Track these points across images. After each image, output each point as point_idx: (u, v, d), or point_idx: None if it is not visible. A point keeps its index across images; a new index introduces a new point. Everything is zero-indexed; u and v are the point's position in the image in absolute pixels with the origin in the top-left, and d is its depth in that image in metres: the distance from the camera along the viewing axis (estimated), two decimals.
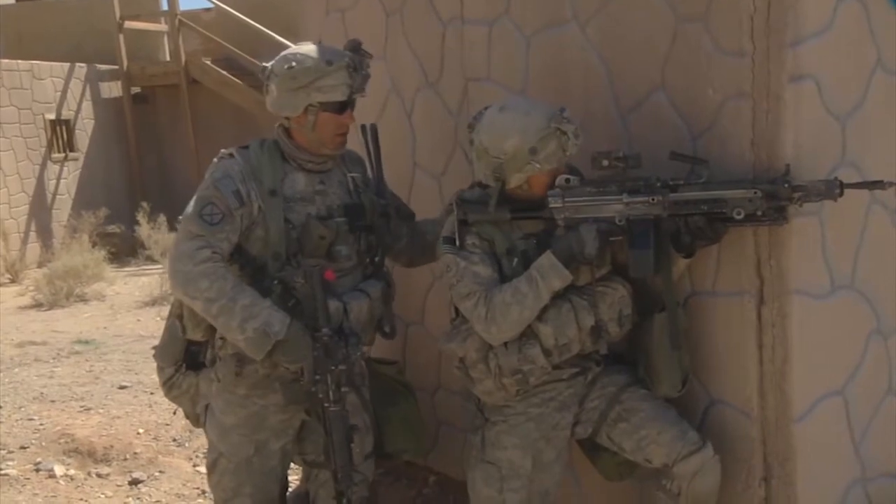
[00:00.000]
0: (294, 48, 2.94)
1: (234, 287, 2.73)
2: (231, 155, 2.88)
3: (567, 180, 2.69)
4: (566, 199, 2.69)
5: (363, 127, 3.13)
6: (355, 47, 2.89)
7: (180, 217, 2.89)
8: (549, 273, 2.67)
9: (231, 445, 2.97)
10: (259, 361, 2.79)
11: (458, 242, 2.77)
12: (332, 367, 2.77)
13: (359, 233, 2.97)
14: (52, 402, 6.04)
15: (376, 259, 3.03)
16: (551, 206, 2.70)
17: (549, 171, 2.71)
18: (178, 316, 3.07)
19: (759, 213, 2.53)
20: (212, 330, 2.91)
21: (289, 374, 2.85)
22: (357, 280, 2.97)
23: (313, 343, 2.77)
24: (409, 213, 3.18)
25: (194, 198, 2.84)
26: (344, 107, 2.86)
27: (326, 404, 2.81)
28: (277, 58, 2.90)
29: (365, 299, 2.94)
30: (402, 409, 3.23)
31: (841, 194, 2.50)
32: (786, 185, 2.49)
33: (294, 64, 2.82)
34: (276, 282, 2.82)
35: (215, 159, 2.91)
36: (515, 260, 2.76)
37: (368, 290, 2.96)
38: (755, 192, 2.51)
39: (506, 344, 2.75)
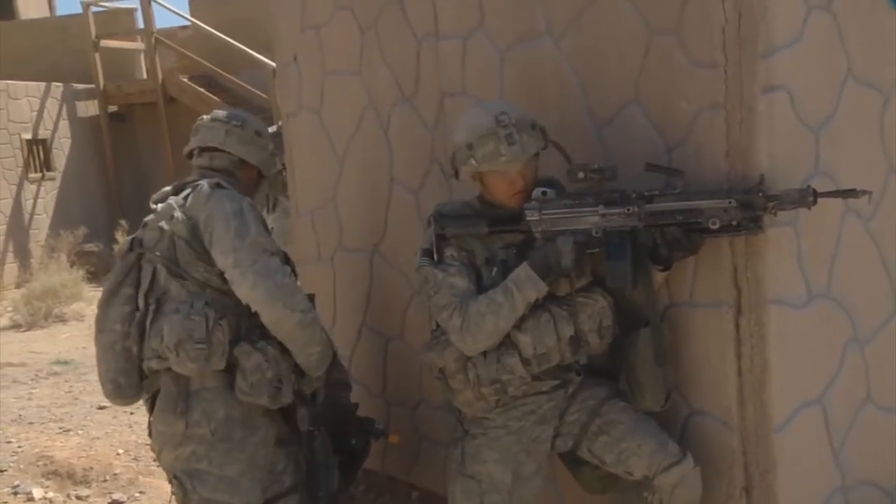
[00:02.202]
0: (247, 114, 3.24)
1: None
2: (221, 185, 2.97)
3: (544, 193, 2.71)
4: (543, 212, 2.70)
5: None
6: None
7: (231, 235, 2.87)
8: (525, 284, 2.67)
9: (245, 494, 2.95)
10: (315, 378, 2.97)
11: (436, 256, 2.78)
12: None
13: None
14: (31, 423, 5.97)
15: None
16: (528, 218, 2.71)
17: (499, 175, 2.75)
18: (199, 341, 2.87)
19: (735, 222, 2.54)
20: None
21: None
22: None
23: None
24: None
25: (246, 218, 2.88)
26: None
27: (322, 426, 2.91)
28: (252, 118, 3.21)
29: None
30: None
31: (815, 202, 2.51)
32: (760, 195, 2.51)
33: (277, 132, 3.24)
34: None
35: (212, 190, 2.95)
36: (495, 269, 2.76)
37: None
38: (730, 202, 2.52)
39: (484, 354, 2.75)
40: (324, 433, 2.90)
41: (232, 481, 2.93)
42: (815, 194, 2.50)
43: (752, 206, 2.52)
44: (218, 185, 2.95)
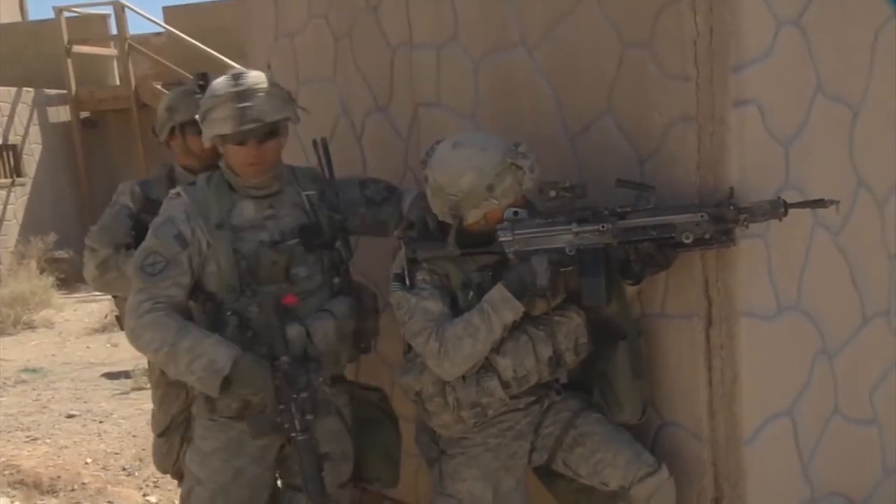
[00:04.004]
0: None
1: (178, 331, 2.75)
2: (178, 194, 2.89)
3: (515, 213, 2.69)
4: (516, 232, 2.68)
5: (314, 142, 3.13)
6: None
7: None
8: (501, 305, 2.65)
9: (210, 471, 2.94)
10: (226, 397, 2.81)
11: (407, 281, 2.76)
12: (295, 395, 2.75)
13: (320, 251, 2.95)
14: None
15: (341, 275, 3.01)
16: (501, 239, 2.69)
17: (505, 205, 2.71)
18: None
19: (707, 236, 2.55)
20: None
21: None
22: (324, 299, 2.96)
23: (273, 372, 2.74)
24: (384, 197, 3.16)
25: (139, 248, 2.88)
26: (245, 138, 2.80)
27: (293, 434, 2.78)
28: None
29: (330, 319, 2.92)
30: (379, 437, 3.18)
31: (785, 213, 2.53)
32: (731, 208, 2.52)
33: (204, 94, 2.91)
34: (230, 313, 2.82)
35: (165, 201, 2.93)
36: (471, 293, 2.74)
37: (333, 310, 2.94)
38: (702, 216, 2.53)
39: (463, 377, 2.73)
40: (308, 438, 2.84)
41: (204, 455, 2.95)
42: (786, 206, 2.52)
43: (723, 219, 2.53)
44: (177, 194, 2.91)
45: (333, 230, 2.98)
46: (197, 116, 2.90)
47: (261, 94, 2.79)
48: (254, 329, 2.81)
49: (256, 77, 2.84)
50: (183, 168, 3.56)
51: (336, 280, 2.99)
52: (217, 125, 2.80)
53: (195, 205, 2.84)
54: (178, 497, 4.56)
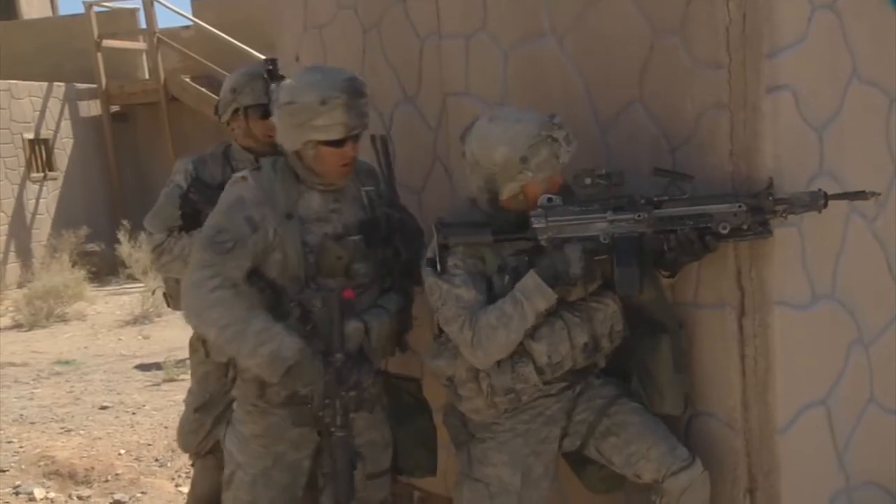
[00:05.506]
0: (299, 76, 2.88)
1: (248, 312, 2.73)
2: (244, 178, 2.85)
3: (550, 199, 2.67)
4: (549, 219, 2.66)
5: (373, 137, 3.07)
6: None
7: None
8: (534, 294, 2.64)
9: (249, 456, 2.95)
10: (277, 384, 2.78)
11: (439, 266, 2.73)
12: (343, 393, 2.76)
13: (377, 248, 2.94)
14: (32, 423, 5.98)
15: (393, 273, 2.99)
16: (534, 226, 2.67)
17: (544, 180, 2.68)
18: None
19: (745, 226, 2.53)
20: None
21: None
22: (374, 295, 2.95)
23: (326, 367, 2.75)
24: (414, 231, 3.09)
25: (207, 224, 2.83)
26: (344, 140, 2.80)
27: (333, 429, 2.79)
28: (283, 85, 2.85)
29: (385, 316, 2.93)
30: (417, 426, 3.16)
31: (825, 206, 2.50)
32: (770, 198, 2.49)
33: (292, 100, 2.77)
34: (293, 304, 2.82)
35: (228, 184, 2.89)
36: (507, 277, 2.72)
37: (388, 306, 2.95)
38: (740, 206, 2.51)
39: (498, 363, 2.72)
40: (345, 436, 2.85)
41: (244, 439, 2.96)
42: (826, 197, 2.49)
43: (761, 210, 2.51)
44: (243, 178, 2.86)
45: (391, 227, 2.96)
46: (277, 117, 2.82)
47: (365, 98, 2.81)
48: (314, 322, 2.80)
49: (361, 79, 2.84)
50: (243, 148, 3.60)
51: (386, 277, 2.98)
52: (321, 132, 2.75)
53: (262, 191, 2.80)
54: None
